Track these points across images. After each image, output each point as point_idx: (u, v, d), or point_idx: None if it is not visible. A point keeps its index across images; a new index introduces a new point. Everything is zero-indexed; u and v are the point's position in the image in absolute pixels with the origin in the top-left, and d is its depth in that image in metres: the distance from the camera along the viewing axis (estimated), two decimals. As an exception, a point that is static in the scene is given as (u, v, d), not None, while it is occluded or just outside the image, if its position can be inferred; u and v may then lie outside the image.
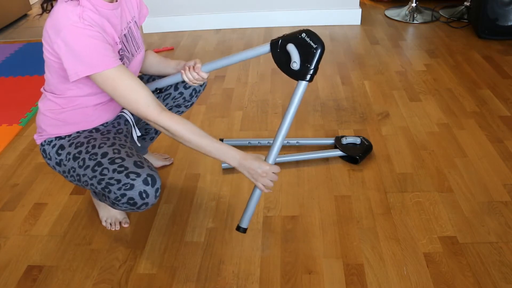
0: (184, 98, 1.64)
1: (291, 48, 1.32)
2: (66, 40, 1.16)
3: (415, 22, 3.30)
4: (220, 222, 1.61)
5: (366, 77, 2.54)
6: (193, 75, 1.44)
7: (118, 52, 1.29)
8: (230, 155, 1.30)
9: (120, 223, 1.61)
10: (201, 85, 1.66)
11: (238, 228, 1.45)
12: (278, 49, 1.35)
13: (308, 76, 1.32)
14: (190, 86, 1.63)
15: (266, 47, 1.38)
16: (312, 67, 1.32)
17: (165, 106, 1.63)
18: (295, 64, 1.32)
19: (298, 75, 1.33)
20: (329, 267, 1.41)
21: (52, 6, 1.23)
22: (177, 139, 1.30)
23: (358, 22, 3.31)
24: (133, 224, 1.63)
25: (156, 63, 1.57)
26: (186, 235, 1.57)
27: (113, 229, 1.60)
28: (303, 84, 1.33)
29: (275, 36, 1.35)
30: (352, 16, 3.29)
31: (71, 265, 1.47)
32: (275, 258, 1.46)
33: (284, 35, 1.35)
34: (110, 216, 1.62)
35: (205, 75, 1.45)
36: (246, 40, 3.09)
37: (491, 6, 2.81)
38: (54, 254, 1.52)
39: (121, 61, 1.30)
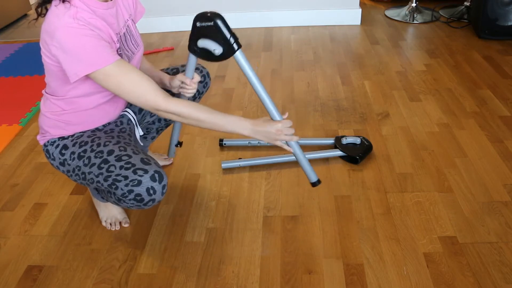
0: (187, 99, 1.65)
1: (201, 42, 1.35)
2: (61, 42, 1.16)
3: (415, 22, 3.30)
4: (220, 222, 1.61)
5: (366, 77, 2.54)
6: (192, 87, 1.49)
7: (117, 51, 1.29)
8: (242, 126, 1.35)
9: (120, 223, 1.62)
10: (204, 87, 1.67)
11: (314, 184, 1.53)
12: (197, 49, 1.38)
13: (235, 46, 1.34)
14: None
15: (192, 57, 1.43)
16: (229, 37, 1.33)
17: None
18: (216, 50, 1.34)
19: (228, 53, 1.35)
20: (329, 267, 1.41)
21: (46, 10, 1.23)
22: (189, 121, 1.32)
23: (358, 22, 3.31)
24: (133, 224, 1.63)
25: (144, 70, 1.57)
26: (186, 235, 1.57)
27: (113, 229, 1.60)
28: (237, 54, 1.36)
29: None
30: (352, 16, 3.29)
31: (71, 265, 1.48)
32: (275, 258, 1.46)
33: (190, 36, 1.38)
34: (110, 216, 1.62)
35: (197, 78, 1.50)
36: (246, 40, 3.09)
37: (491, 6, 2.81)
38: (54, 254, 1.52)
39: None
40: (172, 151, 1.79)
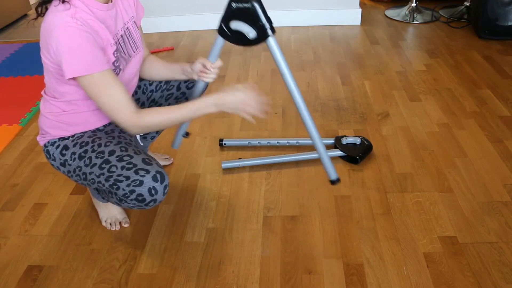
0: (186, 98, 1.64)
1: (235, 24, 1.32)
2: (58, 40, 1.16)
3: (415, 22, 3.30)
4: (220, 222, 1.61)
5: (366, 77, 2.54)
6: (213, 72, 1.45)
7: (113, 53, 1.29)
8: (208, 105, 1.32)
9: (120, 223, 1.62)
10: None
11: (333, 182, 1.54)
12: (229, 33, 1.35)
13: (268, 31, 1.32)
14: (192, 87, 1.63)
15: (219, 39, 1.39)
16: (264, 22, 1.30)
17: (167, 106, 1.63)
18: (250, 34, 1.32)
19: (261, 38, 1.33)
20: (329, 267, 1.41)
21: (46, 9, 1.23)
22: (163, 126, 1.32)
23: (358, 22, 3.31)
24: (133, 224, 1.63)
25: (161, 70, 1.56)
26: (186, 235, 1.57)
27: (113, 229, 1.60)
28: (270, 40, 1.34)
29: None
30: (352, 16, 3.29)
31: (71, 265, 1.48)
32: (275, 258, 1.46)
33: (221, 17, 1.34)
34: (110, 216, 1.62)
35: (219, 63, 1.46)
36: (246, 40, 3.09)
37: (491, 6, 2.81)
38: (54, 254, 1.52)
39: (116, 63, 1.30)
40: (177, 143, 1.72)
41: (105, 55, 1.26)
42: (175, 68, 1.54)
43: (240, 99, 1.32)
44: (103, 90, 1.23)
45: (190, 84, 1.62)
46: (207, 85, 1.53)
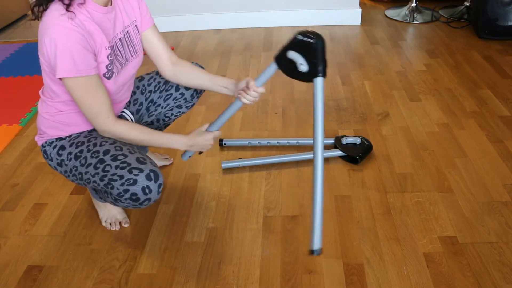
0: (185, 98, 1.64)
1: (292, 54, 1.34)
2: (51, 38, 1.17)
3: (415, 22, 3.30)
4: (220, 222, 1.61)
5: (366, 77, 2.54)
6: (252, 95, 1.43)
7: (107, 57, 1.29)
8: (179, 143, 1.44)
9: (120, 223, 1.62)
10: None
11: (312, 252, 1.33)
12: (283, 60, 1.38)
13: (320, 71, 1.33)
14: (189, 88, 1.63)
15: (273, 66, 1.42)
16: (319, 60, 1.32)
17: (166, 106, 1.63)
18: (302, 66, 1.33)
19: (311, 74, 1.34)
20: (329, 267, 1.41)
21: (44, 10, 1.23)
22: (129, 141, 1.37)
23: (358, 22, 3.31)
24: (133, 224, 1.63)
25: (202, 80, 1.55)
26: (186, 235, 1.57)
27: (113, 229, 1.60)
28: (319, 80, 1.34)
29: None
30: (352, 16, 3.29)
31: (71, 265, 1.48)
32: (275, 258, 1.46)
33: (283, 46, 1.37)
34: (110, 216, 1.62)
35: (262, 90, 1.44)
36: (246, 40, 3.09)
37: (491, 6, 2.81)
38: (54, 254, 1.52)
39: (109, 66, 1.30)
40: (187, 155, 1.74)
41: (98, 58, 1.26)
42: (218, 81, 1.53)
43: (206, 139, 1.47)
44: (87, 94, 1.25)
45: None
46: (241, 105, 1.50)
